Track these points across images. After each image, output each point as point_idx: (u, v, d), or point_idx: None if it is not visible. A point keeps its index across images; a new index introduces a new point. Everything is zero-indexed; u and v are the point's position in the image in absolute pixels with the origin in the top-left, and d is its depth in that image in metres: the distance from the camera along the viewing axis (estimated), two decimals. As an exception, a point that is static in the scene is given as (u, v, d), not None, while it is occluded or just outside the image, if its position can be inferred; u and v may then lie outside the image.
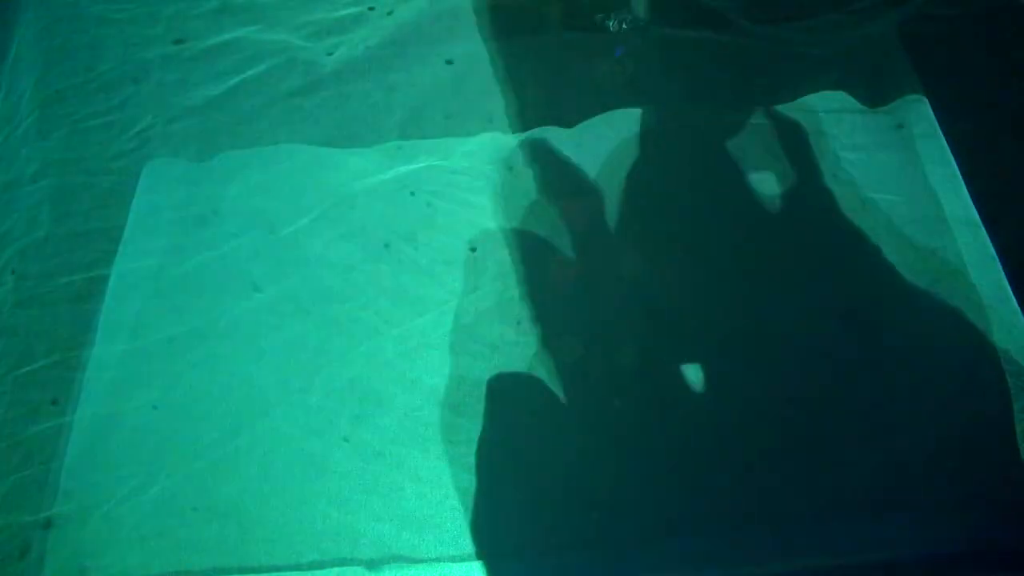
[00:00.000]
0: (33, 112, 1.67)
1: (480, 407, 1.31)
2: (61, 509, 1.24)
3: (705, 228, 1.48)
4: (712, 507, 1.20)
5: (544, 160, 1.58)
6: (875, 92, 1.63)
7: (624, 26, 1.76)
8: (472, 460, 1.26)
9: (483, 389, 1.32)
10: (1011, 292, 1.38)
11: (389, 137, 1.62)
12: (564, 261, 1.45)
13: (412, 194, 1.54)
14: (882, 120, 1.59)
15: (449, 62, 1.74)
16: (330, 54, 1.75)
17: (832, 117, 1.61)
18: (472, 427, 1.29)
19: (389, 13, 1.81)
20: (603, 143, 1.59)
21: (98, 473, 1.27)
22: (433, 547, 1.19)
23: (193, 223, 1.53)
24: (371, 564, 1.19)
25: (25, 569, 1.19)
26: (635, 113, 1.63)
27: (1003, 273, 1.40)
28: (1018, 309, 1.36)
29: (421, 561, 1.19)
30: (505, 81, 1.69)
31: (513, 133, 1.62)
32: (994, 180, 1.50)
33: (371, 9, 1.82)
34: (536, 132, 1.62)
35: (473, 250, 1.47)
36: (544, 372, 1.33)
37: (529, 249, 1.47)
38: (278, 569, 1.19)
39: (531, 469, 1.25)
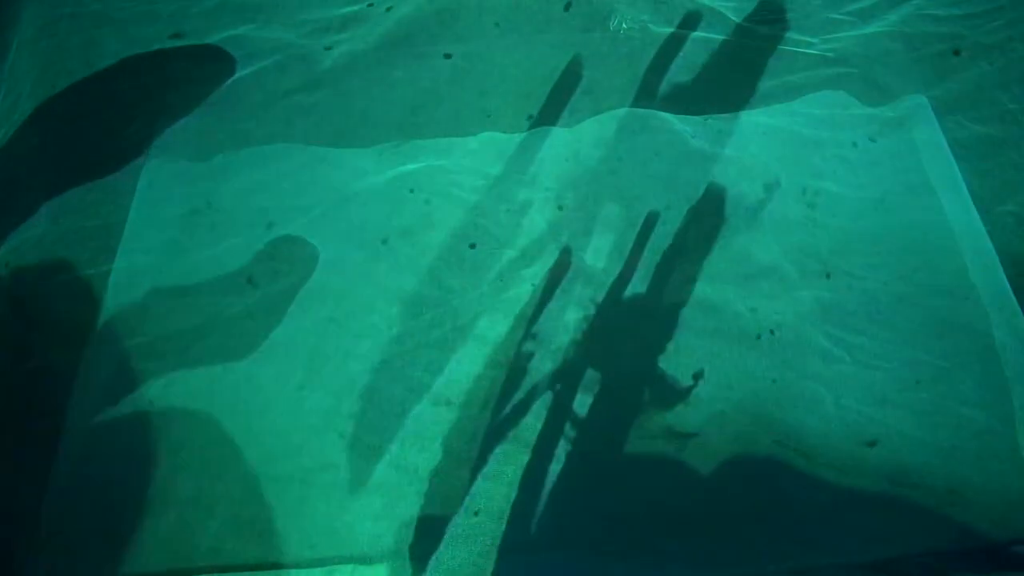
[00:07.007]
0: (32, 109, 1.67)
1: (477, 407, 1.31)
2: (59, 507, 1.24)
3: (705, 227, 1.48)
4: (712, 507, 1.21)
5: (543, 159, 1.58)
6: (875, 92, 1.63)
7: (625, 25, 1.77)
8: (471, 458, 1.26)
9: (482, 388, 1.32)
10: (1011, 292, 1.38)
11: (388, 135, 1.63)
12: (564, 260, 1.45)
13: (411, 191, 1.54)
14: (882, 119, 1.59)
15: (447, 55, 1.74)
16: (329, 51, 1.75)
17: (832, 117, 1.61)
18: (471, 426, 1.29)
19: (388, 10, 1.81)
20: (603, 142, 1.59)
21: (96, 471, 1.27)
22: (432, 546, 1.19)
23: (192, 221, 1.53)
24: (370, 562, 1.19)
25: (18, 568, 1.19)
26: (635, 112, 1.63)
27: (1003, 273, 1.40)
28: (1018, 309, 1.36)
29: (420, 560, 1.18)
30: (505, 80, 1.70)
31: (512, 132, 1.62)
32: (994, 180, 1.51)
33: (370, 6, 1.82)
34: (535, 131, 1.62)
35: (472, 247, 1.47)
36: (544, 371, 1.33)
37: (529, 247, 1.47)
38: (277, 567, 1.19)
39: (530, 468, 1.25)
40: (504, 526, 1.20)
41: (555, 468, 1.24)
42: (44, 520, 1.23)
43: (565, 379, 1.32)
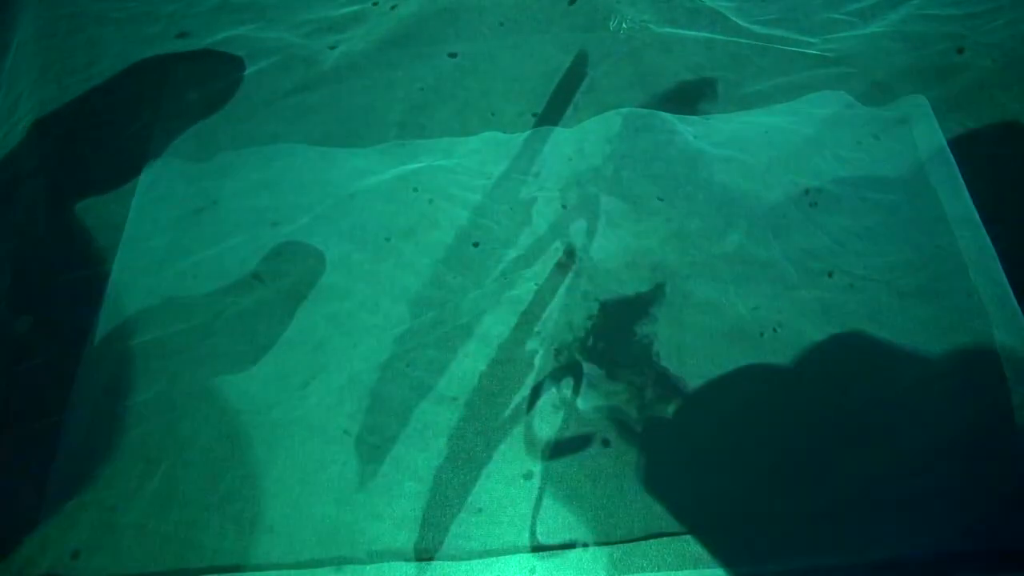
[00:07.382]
0: (32, 109, 1.67)
1: (480, 406, 1.31)
2: (58, 505, 1.24)
3: (707, 227, 1.48)
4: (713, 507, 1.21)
5: (546, 158, 1.58)
6: (875, 92, 1.64)
7: (625, 25, 1.77)
8: (474, 457, 1.26)
9: (485, 387, 1.32)
10: (1011, 292, 1.38)
11: (390, 134, 1.63)
12: (567, 258, 1.45)
13: (414, 190, 1.54)
14: (882, 119, 1.60)
15: (451, 55, 1.74)
16: (332, 49, 1.75)
17: (832, 117, 1.61)
18: (473, 424, 1.29)
19: (392, 8, 1.82)
20: (605, 142, 1.59)
21: (96, 469, 1.26)
22: (432, 546, 1.19)
23: (193, 220, 1.53)
24: (370, 561, 1.18)
25: (18, 569, 1.19)
26: (637, 112, 1.63)
27: (1003, 273, 1.40)
28: (1018, 309, 1.36)
29: (420, 560, 1.18)
30: (507, 79, 1.70)
31: (515, 131, 1.62)
32: (994, 180, 1.51)
33: (375, 5, 1.82)
34: (538, 130, 1.62)
35: (475, 245, 1.47)
36: (547, 370, 1.33)
37: (532, 246, 1.47)
38: (276, 567, 1.18)
39: (532, 467, 1.25)
40: (506, 525, 1.20)
41: (557, 467, 1.24)
42: (44, 520, 1.23)
43: (568, 378, 1.32)
